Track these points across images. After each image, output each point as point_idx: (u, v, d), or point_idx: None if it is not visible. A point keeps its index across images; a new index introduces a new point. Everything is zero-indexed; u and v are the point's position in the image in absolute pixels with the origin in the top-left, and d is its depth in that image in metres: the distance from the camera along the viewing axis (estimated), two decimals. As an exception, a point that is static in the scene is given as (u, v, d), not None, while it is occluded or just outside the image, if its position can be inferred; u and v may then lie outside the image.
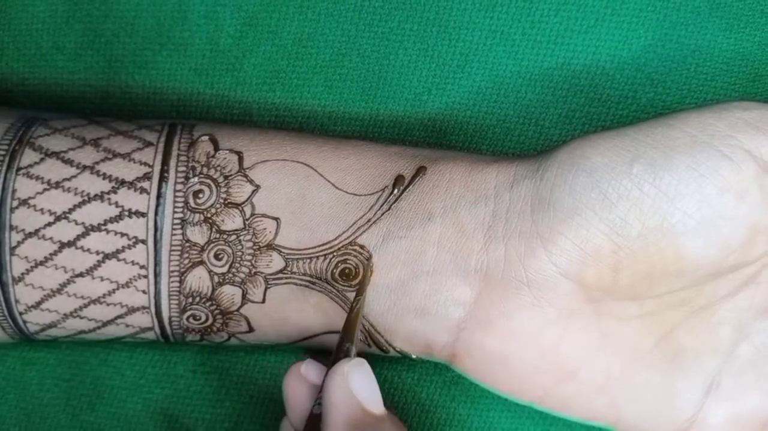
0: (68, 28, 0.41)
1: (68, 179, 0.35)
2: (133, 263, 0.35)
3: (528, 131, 0.41)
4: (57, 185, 0.35)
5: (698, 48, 0.40)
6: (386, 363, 0.41)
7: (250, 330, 0.36)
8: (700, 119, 0.33)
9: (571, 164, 0.34)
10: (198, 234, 0.35)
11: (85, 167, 0.35)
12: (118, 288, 0.35)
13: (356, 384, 0.32)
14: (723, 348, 0.35)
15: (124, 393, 0.41)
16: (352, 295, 0.35)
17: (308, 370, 0.34)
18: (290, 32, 0.41)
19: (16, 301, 0.35)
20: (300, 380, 0.34)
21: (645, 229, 0.32)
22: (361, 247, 0.35)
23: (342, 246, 0.35)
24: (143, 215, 0.35)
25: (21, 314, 0.36)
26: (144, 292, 0.35)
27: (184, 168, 0.35)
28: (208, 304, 0.35)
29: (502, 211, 0.34)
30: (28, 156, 0.35)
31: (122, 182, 0.35)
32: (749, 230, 0.33)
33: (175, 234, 0.35)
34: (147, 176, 0.35)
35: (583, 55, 0.40)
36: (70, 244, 0.35)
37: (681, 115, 0.34)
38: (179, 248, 0.35)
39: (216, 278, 0.35)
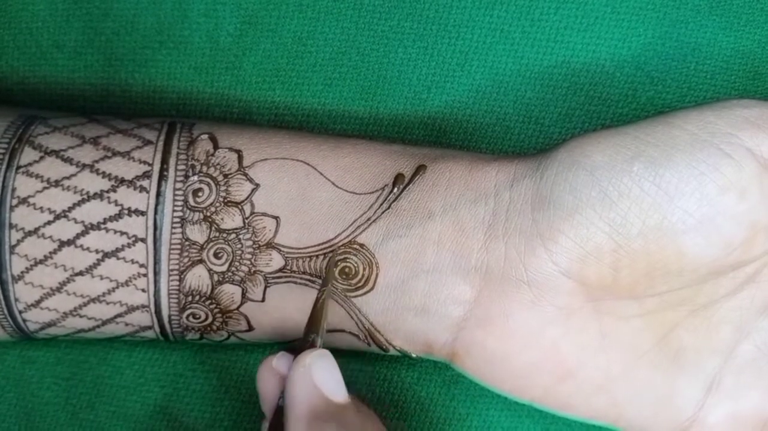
0: (68, 26, 0.41)
1: (68, 178, 0.35)
2: (132, 261, 0.35)
3: (528, 130, 0.41)
4: (56, 183, 0.35)
5: (698, 46, 0.40)
6: (386, 362, 0.41)
7: (250, 328, 0.36)
8: (700, 117, 0.33)
9: (572, 163, 0.33)
10: (197, 233, 0.35)
11: (84, 166, 0.35)
12: (117, 287, 0.35)
13: (318, 375, 0.32)
14: (723, 347, 0.35)
15: (124, 392, 0.41)
16: (352, 294, 0.35)
17: (279, 363, 0.34)
18: (290, 31, 0.41)
19: (16, 299, 0.35)
20: (271, 372, 0.34)
21: (645, 227, 0.32)
22: (361, 245, 0.35)
23: (342, 245, 0.35)
24: (143, 213, 0.35)
25: (21, 312, 0.36)
26: (143, 291, 0.35)
27: (183, 167, 0.35)
28: (207, 303, 0.35)
29: (503, 210, 0.34)
30: (28, 155, 0.35)
31: (122, 181, 0.35)
32: (750, 228, 0.33)
33: (174, 233, 0.35)
34: (146, 175, 0.35)
35: (583, 53, 0.40)
36: (70, 242, 0.35)
37: (681, 113, 0.34)
38: (179, 246, 0.35)
39: (216, 277, 0.35)
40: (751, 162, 0.32)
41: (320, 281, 0.35)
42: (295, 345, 0.35)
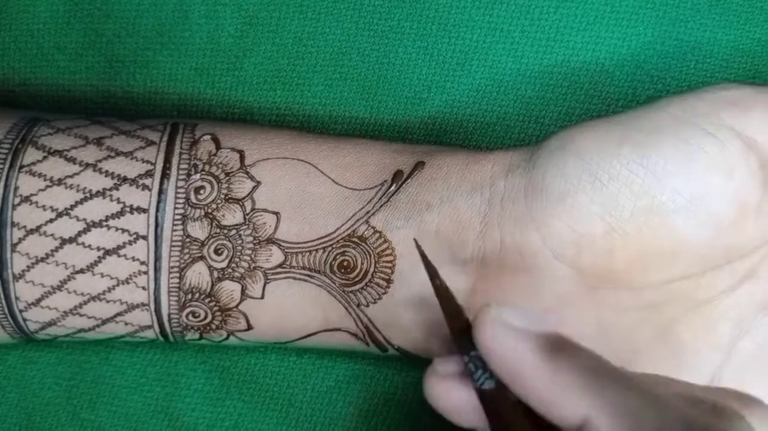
0: (69, 28, 0.41)
1: (70, 177, 0.35)
2: (133, 259, 0.35)
3: (528, 129, 0.41)
4: (59, 182, 0.35)
5: (697, 45, 0.40)
6: (387, 361, 0.41)
7: (249, 327, 0.36)
8: (682, 101, 0.34)
9: (562, 149, 0.34)
10: (198, 229, 0.35)
11: (87, 165, 0.35)
12: (118, 285, 0.35)
13: (514, 319, 0.28)
14: (723, 343, 0.35)
15: (125, 392, 0.41)
16: (351, 289, 0.35)
17: (445, 367, 0.30)
18: (290, 31, 0.41)
19: (17, 298, 0.35)
20: (444, 381, 0.29)
21: (636, 209, 0.33)
22: (360, 238, 0.35)
23: (341, 239, 0.35)
24: (144, 211, 0.35)
25: (21, 311, 0.36)
26: (144, 288, 0.35)
27: (186, 165, 0.35)
28: (207, 300, 0.35)
29: (497, 199, 0.35)
30: (31, 154, 0.36)
31: (124, 179, 0.35)
32: (739, 206, 0.33)
33: (175, 230, 0.35)
34: (149, 173, 0.35)
35: (583, 52, 0.41)
36: (71, 240, 0.35)
37: (665, 99, 0.35)
38: (180, 243, 0.35)
39: (215, 274, 0.35)
40: (735, 141, 0.33)
41: (320, 275, 0.35)
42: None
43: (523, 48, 0.41)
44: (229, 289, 0.35)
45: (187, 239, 0.35)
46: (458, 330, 0.30)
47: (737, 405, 0.27)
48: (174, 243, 0.35)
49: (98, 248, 0.35)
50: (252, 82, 0.41)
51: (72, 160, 0.35)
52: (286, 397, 0.41)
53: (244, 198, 0.35)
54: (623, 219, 0.33)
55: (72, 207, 0.35)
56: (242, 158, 0.36)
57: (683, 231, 0.33)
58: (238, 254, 0.35)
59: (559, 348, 0.28)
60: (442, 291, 0.31)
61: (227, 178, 0.35)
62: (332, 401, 0.41)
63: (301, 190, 0.35)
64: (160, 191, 0.35)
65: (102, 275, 0.35)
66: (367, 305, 0.35)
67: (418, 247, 0.32)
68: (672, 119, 0.33)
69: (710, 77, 0.41)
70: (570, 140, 0.34)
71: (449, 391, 0.29)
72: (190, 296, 0.35)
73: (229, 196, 0.35)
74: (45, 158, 0.36)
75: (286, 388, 0.41)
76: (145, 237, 0.35)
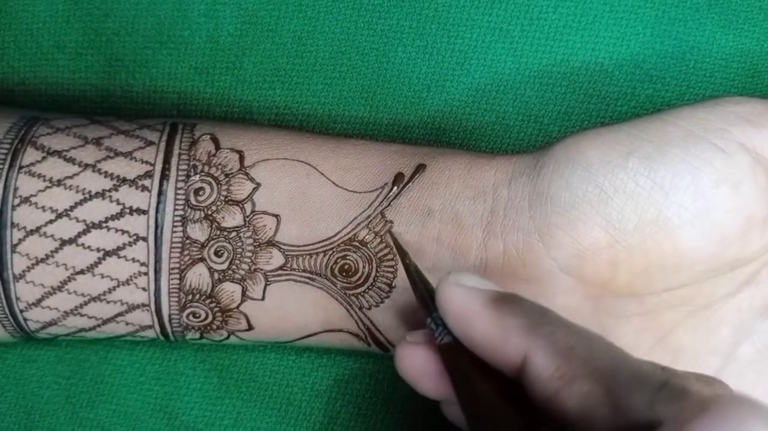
0: (69, 27, 0.41)
1: (70, 177, 0.35)
2: (133, 260, 0.35)
3: (527, 128, 0.41)
4: (59, 182, 0.35)
5: (696, 44, 0.40)
6: (386, 360, 0.41)
7: (250, 327, 0.36)
8: (693, 114, 0.34)
9: (568, 159, 0.34)
10: (198, 231, 0.35)
11: (86, 166, 0.35)
12: (118, 286, 0.35)
13: (468, 281, 0.30)
14: (723, 348, 0.35)
15: (125, 391, 0.41)
16: (352, 292, 0.35)
17: (414, 337, 0.32)
18: (290, 30, 0.41)
19: (17, 298, 0.35)
20: (413, 348, 0.32)
21: (642, 222, 0.33)
22: (361, 242, 0.35)
23: (342, 242, 0.35)
24: (144, 212, 0.35)
25: (21, 311, 0.36)
26: (144, 289, 0.35)
27: (185, 166, 0.35)
28: (207, 301, 0.35)
29: (501, 207, 0.35)
30: (30, 155, 0.36)
31: (124, 180, 0.35)
32: (745, 221, 0.33)
33: (175, 231, 0.35)
34: (148, 174, 0.35)
35: (582, 51, 0.40)
36: (71, 241, 0.35)
37: (674, 111, 0.34)
38: (180, 245, 0.35)
39: (216, 275, 0.35)
40: (743, 156, 0.33)
41: (321, 278, 0.35)
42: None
43: (522, 47, 0.41)
44: (230, 290, 0.35)
45: (187, 241, 0.35)
46: (423, 296, 0.32)
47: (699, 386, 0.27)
48: (174, 245, 0.35)
49: (98, 250, 0.35)
50: (251, 81, 0.41)
51: (71, 160, 0.35)
52: (285, 396, 0.41)
53: (244, 200, 0.35)
54: (627, 232, 0.33)
55: (72, 208, 0.35)
56: (242, 158, 0.36)
57: (688, 245, 0.33)
58: (239, 256, 0.35)
59: (505, 299, 0.30)
60: (411, 268, 0.33)
61: (227, 179, 0.35)
62: (331, 400, 0.41)
63: (301, 192, 0.35)
64: (160, 193, 0.35)
65: (102, 276, 0.35)
66: (369, 308, 0.35)
67: (391, 234, 0.35)
68: (681, 131, 0.33)
69: (709, 76, 0.41)
70: (576, 149, 0.34)
71: (415, 354, 0.31)
72: (190, 297, 0.35)
73: (229, 198, 0.35)
74: (44, 158, 0.36)
75: (285, 387, 0.41)
76: (145, 239, 0.35)
